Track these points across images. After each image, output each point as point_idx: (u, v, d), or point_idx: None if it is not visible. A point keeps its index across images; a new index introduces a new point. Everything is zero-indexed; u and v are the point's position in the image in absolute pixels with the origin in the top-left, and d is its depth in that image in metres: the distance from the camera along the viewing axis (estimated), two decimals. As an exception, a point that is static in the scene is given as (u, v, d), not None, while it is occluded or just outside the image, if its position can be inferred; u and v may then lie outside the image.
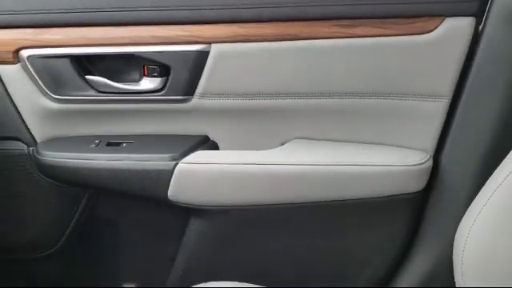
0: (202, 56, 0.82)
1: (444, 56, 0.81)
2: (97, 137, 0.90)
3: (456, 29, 0.80)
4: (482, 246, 0.66)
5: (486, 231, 0.66)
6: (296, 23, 0.82)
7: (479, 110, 0.81)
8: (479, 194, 0.68)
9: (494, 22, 0.79)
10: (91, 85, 0.87)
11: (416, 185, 0.83)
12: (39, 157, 0.87)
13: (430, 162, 0.83)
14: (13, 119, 0.87)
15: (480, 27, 0.81)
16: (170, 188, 0.83)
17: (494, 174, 0.66)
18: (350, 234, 0.86)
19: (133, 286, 0.97)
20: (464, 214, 0.68)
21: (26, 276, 0.96)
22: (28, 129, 0.88)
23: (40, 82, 0.86)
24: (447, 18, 0.80)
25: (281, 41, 0.82)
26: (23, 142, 0.89)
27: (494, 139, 0.78)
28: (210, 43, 0.82)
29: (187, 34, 0.83)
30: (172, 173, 0.82)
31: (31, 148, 0.89)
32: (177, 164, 0.83)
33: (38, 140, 0.89)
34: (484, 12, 0.80)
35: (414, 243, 0.87)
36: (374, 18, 0.81)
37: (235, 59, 0.83)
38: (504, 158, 0.65)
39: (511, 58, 0.78)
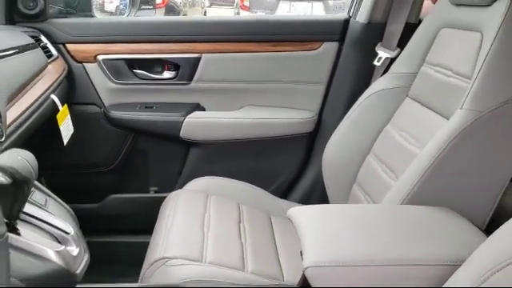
0: (197, 60, 1.56)
1: (323, 62, 1.56)
2: (138, 103, 1.62)
3: (329, 48, 1.55)
4: (334, 155, 1.40)
5: (336, 147, 1.39)
6: (248, 43, 1.56)
7: (341, 90, 1.57)
8: (335, 130, 1.41)
9: (347, 45, 1.54)
10: (136, 74, 1.58)
11: (307, 129, 1.59)
12: (107, 113, 1.59)
13: (316, 117, 1.59)
14: (92, 93, 1.58)
15: (342, 47, 1.56)
16: (181, 131, 1.57)
17: (347, 114, 1.37)
18: (270, 158, 1.61)
19: (155, 188, 1.70)
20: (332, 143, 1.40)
21: (96, 182, 1.68)
22: (100, 98, 1.60)
23: (108, 73, 1.57)
24: (325, 42, 1.55)
25: (240, 52, 1.56)
26: (97, 105, 1.60)
27: (350, 105, 1.51)
28: (201, 53, 1.56)
29: (189, 48, 1.55)
30: (182, 122, 1.56)
31: (102, 109, 1.60)
32: (184, 118, 1.56)
33: (106, 104, 1.61)
34: (343, 40, 1.55)
35: (306, 166, 1.63)
36: (286, 41, 1.55)
37: (214, 62, 1.56)
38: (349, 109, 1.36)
39: (357, 62, 1.53)
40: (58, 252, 0.74)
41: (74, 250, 0.78)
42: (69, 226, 0.80)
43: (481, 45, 1.01)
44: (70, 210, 0.90)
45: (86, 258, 0.80)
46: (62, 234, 0.78)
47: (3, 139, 0.73)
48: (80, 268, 0.77)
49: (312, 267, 0.72)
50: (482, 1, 1.04)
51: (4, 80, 1.04)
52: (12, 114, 1.02)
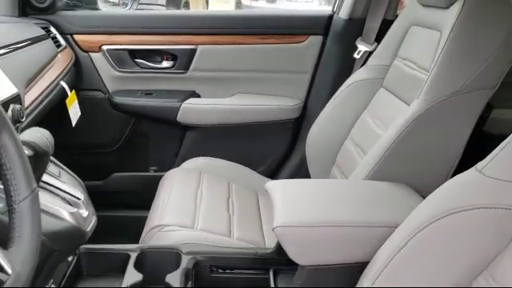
0: (193, 51, 1.70)
1: (308, 54, 1.71)
2: (139, 90, 1.77)
3: (314, 41, 1.70)
4: (316, 139, 1.55)
5: (319, 132, 1.54)
6: (240, 36, 1.70)
7: (325, 79, 1.71)
8: (319, 116, 1.55)
9: (330, 39, 1.68)
10: (137, 64, 1.73)
11: (294, 115, 1.75)
12: (111, 99, 1.74)
13: (302, 104, 1.74)
14: (97, 80, 1.73)
15: (326, 41, 1.70)
16: (178, 116, 1.72)
17: (330, 101, 1.52)
18: (259, 141, 1.77)
19: (155, 168, 1.86)
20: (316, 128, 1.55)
21: (101, 161, 1.83)
22: (105, 85, 1.75)
23: (112, 62, 1.71)
24: (310, 36, 1.69)
25: (232, 44, 1.70)
26: (102, 91, 1.75)
27: (332, 93, 1.65)
28: (197, 45, 1.70)
29: (186, 40, 1.70)
30: (179, 108, 1.71)
31: (106, 95, 1.75)
32: (181, 104, 1.72)
33: (110, 91, 1.76)
34: (327, 34, 1.69)
35: (292, 149, 1.79)
36: (276, 34, 1.70)
37: (209, 53, 1.71)
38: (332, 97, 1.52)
39: (339, 54, 1.68)
40: (71, 213, 0.89)
41: (84, 212, 0.93)
42: (79, 193, 0.96)
43: (439, 42, 1.15)
44: (80, 180, 1.06)
45: (94, 219, 0.96)
46: (74, 199, 0.94)
47: (24, 119, 0.88)
48: (89, 227, 0.93)
49: (280, 227, 0.88)
50: (441, 3, 1.18)
51: (22, 67, 1.19)
52: (28, 97, 1.18)
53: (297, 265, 0.91)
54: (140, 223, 1.36)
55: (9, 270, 0.54)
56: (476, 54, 1.07)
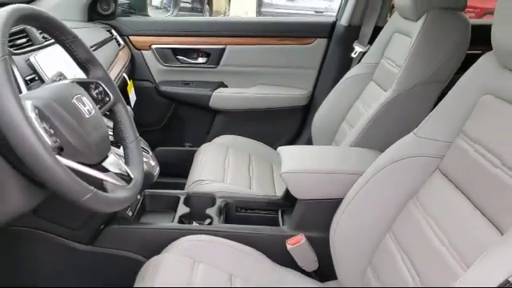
0: (222, 50, 2.13)
1: (315, 53, 2.12)
2: (179, 81, 2.20)
3: (320, 43, 2.11)
4: (320, 122, 1.96)
5: (322, 117, 1.95)
6: (260, 38, 2.12)
7: (328, 74, 2.12)
8: (322, 103, 1.96)
9: (333, 41, 2.09)
10: (178, 60, 2.17)
11: (303, 102, 2.16)
12: (157, 87, 2.19)
13: (309, 94, 2.16)
14: (147, 72, 2.18)
15: (330, 43, 2.11)
16: (210, 102, 2.15)
17: (332, 92, 1.93)
18: (275, 123, 2.20)
19: (190, 144, 2.29)
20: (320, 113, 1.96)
21: (147, 137, 2.27)
22: (153, 76, 2.19)
23: (159, 58, 2.16)
24: (317, 39, 2.10)
25: (254, 45, 2.13)
26: (151, 82, 2.20)
27: (334, 85, 2.05)
28: (226, 45, 2.13)
29: (217, 41, 2.13)
30: (211, 95, 2.15)
31: (154, 84, 2.20)
32: (212, 92, 2.15)
33: (157, 81, 2.20)
34: (331, 37, 2.10)
35: (301, 130, 2.20)
36: (290, 36, 2.11)
37: (235, 51, 2.14)
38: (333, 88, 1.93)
39: (340, 54, 2.08)
40: (144, 162, 1.33)
41: (152, 162, 1.36)
42: (149, 150, 1.39)
43: (410, 46, 1.55)
44: (147, 143, 1.49)
45: (158, 169, 1.39)
46: (145, 153, 1.37)
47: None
48: (155, 172, 1.36)
49: (285, 173, 1.30)
50: (412, 16, 1.57)
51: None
52: (106, 85, 1.62)
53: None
54: (178, 188, 1.77)
55: (132, 176, 0.97)
56: (433, 55, 1.46)
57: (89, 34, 1.75)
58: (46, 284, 1.31)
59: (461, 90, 1.04)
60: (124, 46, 2.08)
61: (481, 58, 1.01)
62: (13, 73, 0.77)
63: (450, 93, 1.07)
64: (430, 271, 0.91)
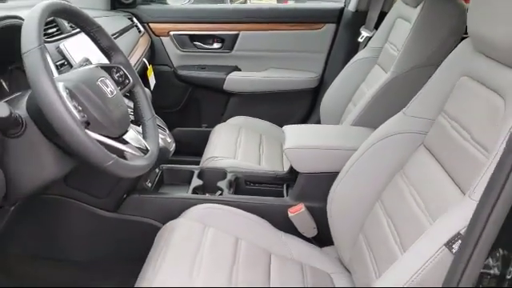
0: (236, 36, 2.26)
1: (325, 38, 2.22)
2: (196, 65, 2.34)
3: (329, 28, 2.21)
4: (328, 103, 2.08)
5: (330, 98, 2.07)
6: (272, 24, 2.23)
7: (337, 58, 2.22)
8: (330, 85, 2.07)
9: (341, 26, 2.18)
10: (195, 45, 2.30)
11: (313, 85, 2.27)
12: (175, 71, 2.33)
13: (319, 77, 2.27)
14: (166, 58, 2.33)
15: (338, 28, 2.20)
16: (224, 85, 2.29)
17: (339, 75, 2.04)
18: (285, 105, 2.32)
19: (206, 124, 2.43)
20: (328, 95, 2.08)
21: (166, 118, 2.43)
22: (171, 61, 2.34)
23: (176, 44, 2.30)
24: (326, 24, 2.20)
25: (266, 30, 2.24)
26: (169, 66, 2.35)
27: (341, 68, 2.15)
28: (239, 31, 2.25)
29: (231, 27, 2.26)
30: (225, 79, 2.28)
31: (172, 69, 2.34)
32: (226, 76, 2.28)
33: (175, 65, 2.34)
34: (339, 23, 2.19)
35: (311, 111, 2.31)
36: (300, 22, 2.22)
37: (248, 37, 2.26)
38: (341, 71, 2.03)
39: (347, 38, 2.18)
40: (161, 138, 1.47)
41: (168, 139, 1.51)
42: (166, 128, 1.54)
43: (408, 31, 1.63)
44: (164, 123, 1.64)
45: (174, 144, 1.54)
46: (162, 131, 1.52)
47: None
48: (171, 148, 1.51)
49: (289, 148, 1.43)
50: (412, 3, 1.65)
51: (123, 50, 1.78)
52: (127, 69, 1.77)
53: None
54: (195, 164, 1.93)
55: (149, 148, 1.12)
56: (429, 40, 1.55)
57: (111, 22, 1.90)
58: (75, 247, 1.48)
59: (443, 71, 1.14)
60: (144, 33, 2.22)
61: (461, 42, 1.11)
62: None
63: (434, 75, 1.17)
64: (407, 231, 1.03)
